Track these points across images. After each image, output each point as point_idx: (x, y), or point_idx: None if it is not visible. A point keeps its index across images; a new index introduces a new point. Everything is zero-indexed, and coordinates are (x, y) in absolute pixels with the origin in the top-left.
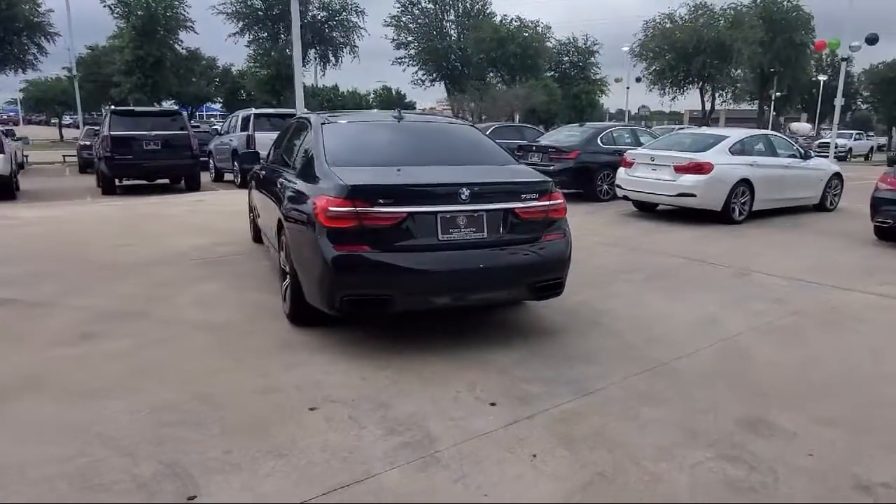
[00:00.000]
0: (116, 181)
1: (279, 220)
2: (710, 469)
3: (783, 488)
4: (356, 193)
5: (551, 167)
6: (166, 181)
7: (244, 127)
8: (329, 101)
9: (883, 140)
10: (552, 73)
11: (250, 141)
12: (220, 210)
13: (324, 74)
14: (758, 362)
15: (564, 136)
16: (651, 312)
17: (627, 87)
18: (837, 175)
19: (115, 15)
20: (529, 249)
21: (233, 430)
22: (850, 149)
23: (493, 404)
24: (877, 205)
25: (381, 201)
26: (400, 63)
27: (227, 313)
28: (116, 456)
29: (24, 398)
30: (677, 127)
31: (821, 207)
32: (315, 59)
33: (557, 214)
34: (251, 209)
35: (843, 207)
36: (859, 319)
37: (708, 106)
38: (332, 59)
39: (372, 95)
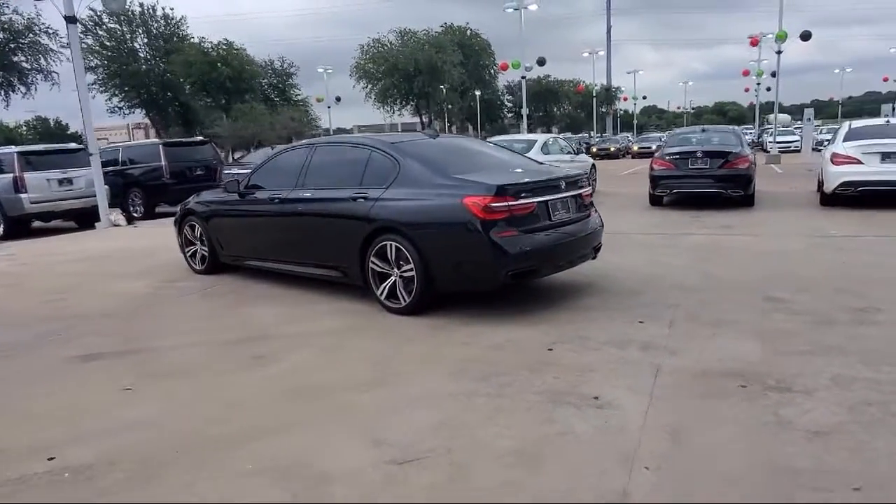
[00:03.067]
0: None
1: (373, 231)
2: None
3: (881, 317)
4: (503, 191)
5: None
6: None
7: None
8: None
9: None
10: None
11: (18, 183)
12: (80, 258)
13: (7, 106)
14: (727, 278)
15: None
16: (628, 265)
17: (329, 107)
18: (593, 165)
19: None
20: (591, 221)
21: (533, 371)
22: None
23: (641, 322)
24: (654, 180)
25: (522, 195)
26: (89, 89)
27: (331, 322)
28: (516, 406)
29: (333, 398)
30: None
31: None
32: None
33: (591, 197)
34: (191, 242)
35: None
36: (731, 247)
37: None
38: (19, 86)
39: (25, 127)
